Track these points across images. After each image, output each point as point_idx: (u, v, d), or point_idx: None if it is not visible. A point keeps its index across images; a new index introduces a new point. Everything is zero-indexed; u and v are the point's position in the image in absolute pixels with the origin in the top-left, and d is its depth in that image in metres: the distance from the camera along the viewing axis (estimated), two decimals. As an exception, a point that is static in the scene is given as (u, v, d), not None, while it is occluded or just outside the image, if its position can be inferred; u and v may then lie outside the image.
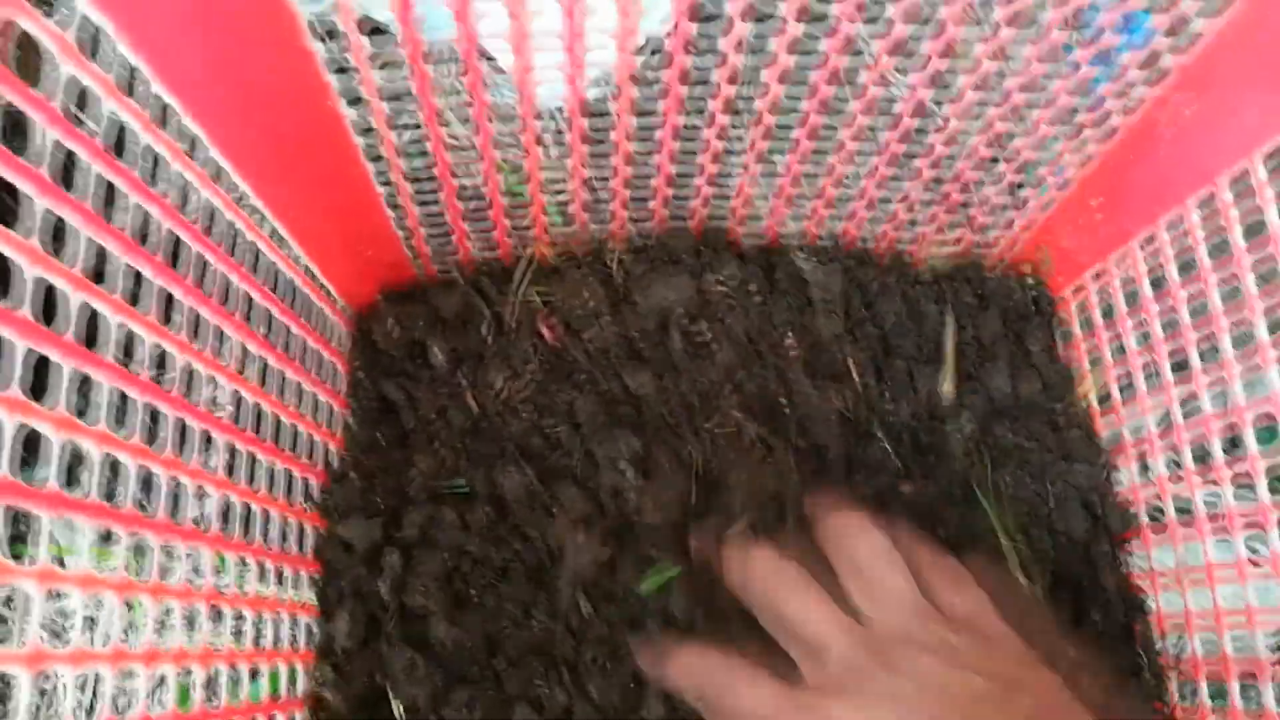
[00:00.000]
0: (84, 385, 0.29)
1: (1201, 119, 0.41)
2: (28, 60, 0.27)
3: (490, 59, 0.40)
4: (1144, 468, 0.49)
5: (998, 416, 0.51)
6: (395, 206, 0.47)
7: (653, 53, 0.40)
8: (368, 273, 0.51)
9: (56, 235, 0.27)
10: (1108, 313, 0.51)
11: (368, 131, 0.42)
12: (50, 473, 0.26)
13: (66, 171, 0.28)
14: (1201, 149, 0.42)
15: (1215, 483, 0.44)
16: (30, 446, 0.26)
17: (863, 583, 0.37)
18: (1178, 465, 0.47)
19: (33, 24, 0.25)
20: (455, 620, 0.46)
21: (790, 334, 0.51)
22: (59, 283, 0.27)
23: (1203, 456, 0.45)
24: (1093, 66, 0.40)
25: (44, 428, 0.27)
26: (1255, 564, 0.43)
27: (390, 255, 0.51)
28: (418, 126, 0.42)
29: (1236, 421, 0.43)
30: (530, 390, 0.50)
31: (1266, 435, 0.42)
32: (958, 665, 0.34)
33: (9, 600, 0.24)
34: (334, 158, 0.42)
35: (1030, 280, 0.55)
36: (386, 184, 0.46)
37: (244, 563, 0.39)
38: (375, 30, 0.37)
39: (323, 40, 0.36)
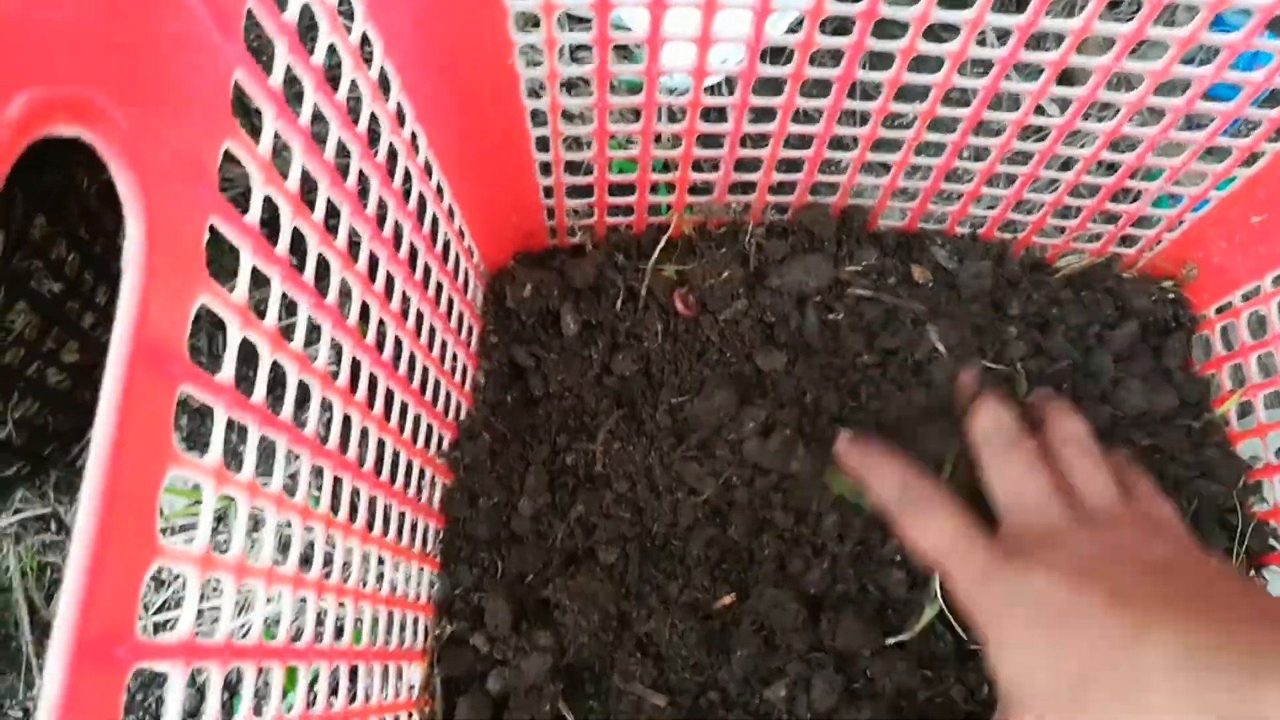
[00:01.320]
0: (287, 303, 0.29)
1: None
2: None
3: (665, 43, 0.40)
4: (1285, 489, 0.48)
5: (1133, 429, 0.50)
6: (547, 172, 0.48)
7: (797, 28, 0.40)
8: (507, 235, 0.52)
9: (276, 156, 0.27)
10: (1255, 331, 0.50)
11: (537, 94, 0.42)
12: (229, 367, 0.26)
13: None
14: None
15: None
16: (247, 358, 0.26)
17: (1078, 466, 0.40)
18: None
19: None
20: (572, 586, 0.46)
21: (928, 327, 0.50)
22: (279, 200, 0.28)
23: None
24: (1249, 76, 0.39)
25: (258, 339, 0.27)
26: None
27: (530, 220, 0.51)
28: (588, 93, 0.42)
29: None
30: (662, 363, 0.50)
31: None
32: (1150, 536, 0.37)
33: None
34: (502, 116, 0.42)
35: (1171, 294, 0.53)
36: (544, 148, 0.46)
37: (384, 506, 0.39)
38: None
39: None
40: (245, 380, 0.27)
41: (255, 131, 0.26)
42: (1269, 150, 0.44)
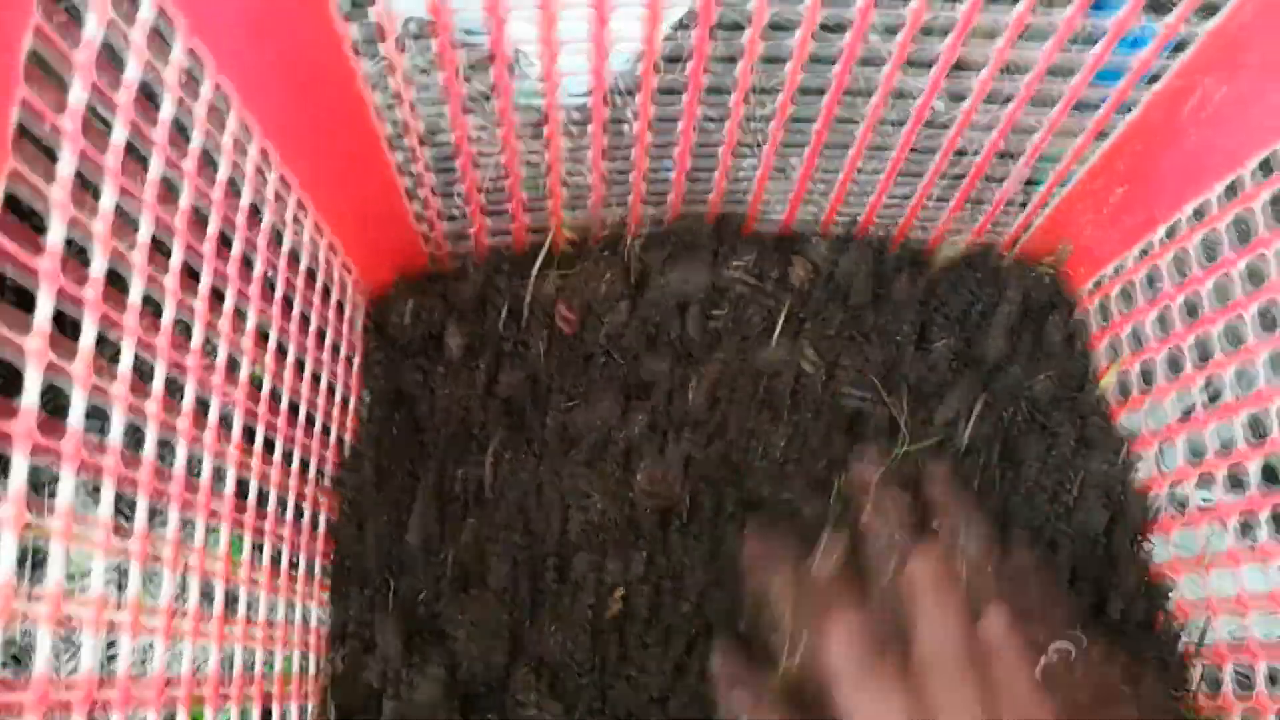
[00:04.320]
0: (102, 343, 0.28)
1: (1231, 102, 0.41)
2: None
3: (518, 54, 0.41)
4: (1164, 457, 0.49)
5: (1016, 410, 0.51)
6: (414, 196, 0.47)
7: (671, 59, 0.41)
8: (384, 256, 0.51)
9: (86, 185, 0.27)
10: (1127, 304, 0.51)
11: (392, 113, 0.42)
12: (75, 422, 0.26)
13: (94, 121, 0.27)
14: (1230, 134, 0.42)
15: (1240, 470, 0.44)
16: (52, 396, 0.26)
17: (943, 695, 0.37)
18: (1200, 454, 0.46)
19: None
20: (464, 609, 0.45)
21: (806, 321, 0.51)
22: (93, 229, 0.27)
23: (1228, 444, 0.45)
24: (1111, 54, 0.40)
25: (66, 384, 0.26)
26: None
27: (405, 241, 0.51)
28: (441, 114, 0.42)
29: (1261, 408, 0.42)
30: (546, 378, 0.50)
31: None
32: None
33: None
34: (356, 139, 0.42)
35: (1048, 274, 0.54)
36: (409, 171, 0.45)
37: (258, 545, 0.39)
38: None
39: (352, 21, 0.36)
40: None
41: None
42: (1120, 122, 0.45)
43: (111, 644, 0.29)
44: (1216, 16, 0.39)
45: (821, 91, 0.43)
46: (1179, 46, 0.40)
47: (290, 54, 0.36)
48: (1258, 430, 0.44)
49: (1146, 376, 0.50)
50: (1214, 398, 0.46)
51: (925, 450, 0.49)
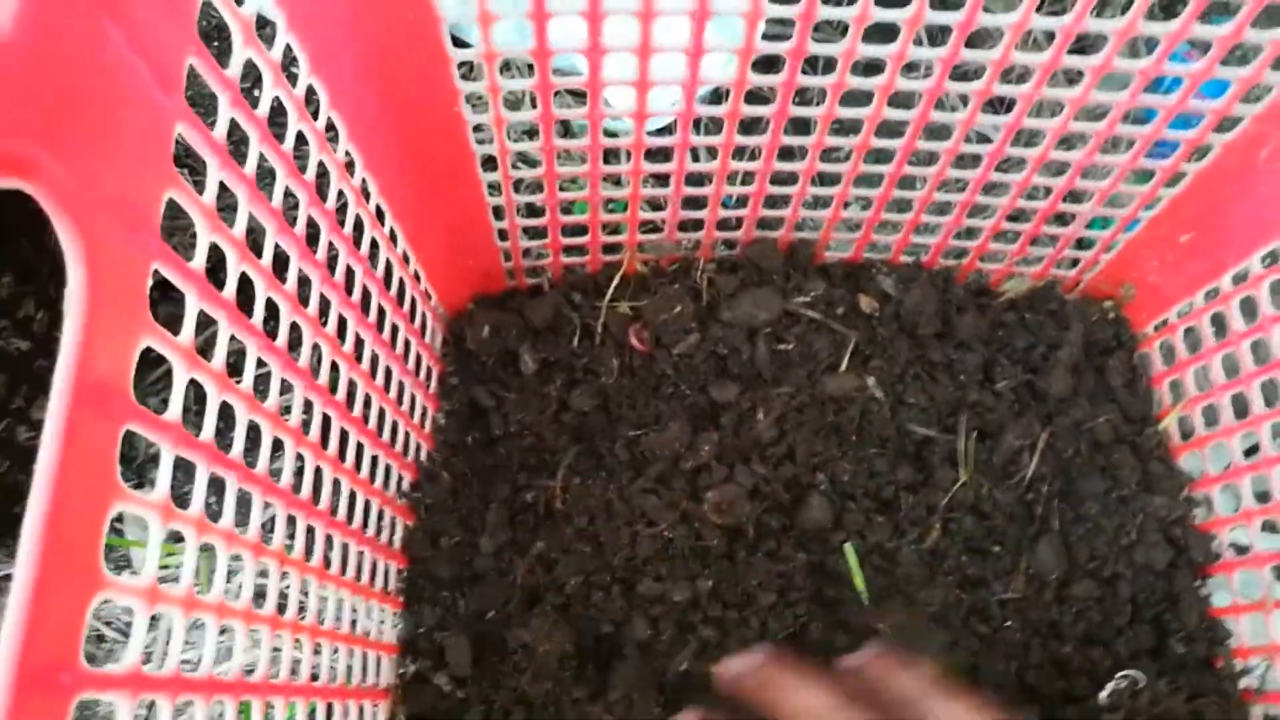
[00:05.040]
0: (237, 353, 0.30)
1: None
2: None
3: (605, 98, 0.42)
4: (1227, 499, 0.49)
5: (1077, 446, 0.51)
6: (500, 216, 0.49)
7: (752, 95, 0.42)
8: (464, 278, 0.53)
9: (222, 209, 0.28)
10: (1194, 347, 0.51)
11: (486, 140, 0.43)
12: (175, 407, 0.27)
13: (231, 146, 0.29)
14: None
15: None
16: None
17: None
18: (1264, 497, 0.47)
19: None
20: (527, 622, 0.46)
21: (873, 353, 0.52)
22: (225, 246, 0.29)
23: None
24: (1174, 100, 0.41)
25: (205, 380, 0.28)
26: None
27: (487, 263, 0.53)
28: (534, 138, 0.44)
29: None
30: (617, 401, 0.51)
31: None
32: None
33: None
34: (452, 162, 0.44)
35: (1112, 313, 0.55)
36: (496, 193, 0.47)
37: (334, 542, 0.40)
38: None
39: (460, 45, 0.38)
40: (196, 423, 0.27)
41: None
42: (1190, 170, 0.46)
43: (194, 631, 0.30)
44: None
45: (899, 133, 0.44)
46: (1255, 97, 0.41)
47: (395, 82, 0.38)
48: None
49: (1210, 418, 0.50)
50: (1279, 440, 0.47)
51: (989, 484, 0.50)
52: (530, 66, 0.39)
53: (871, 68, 0.40)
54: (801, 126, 0.46)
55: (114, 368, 0.23)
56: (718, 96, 0.45)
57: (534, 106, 0.42)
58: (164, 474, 0.26)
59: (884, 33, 0.38)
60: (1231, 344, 0.48)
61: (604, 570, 0.48)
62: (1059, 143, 0.44)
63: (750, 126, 0.45)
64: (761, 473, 0.49)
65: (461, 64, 0.39)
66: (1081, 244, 0.52)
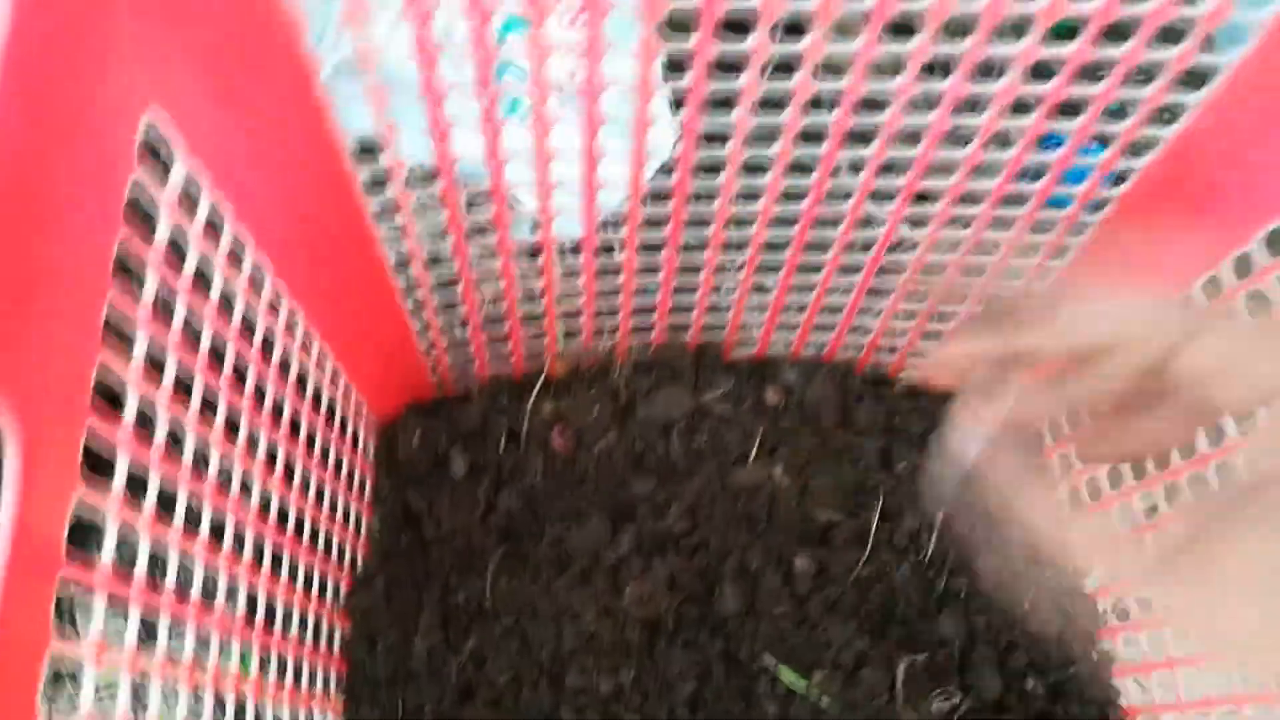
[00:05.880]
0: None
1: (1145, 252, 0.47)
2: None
3: (514, 197, 0.46)
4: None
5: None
6: (422, 330, 0.52)
7: (653, 198, 0.46)
8: (394, 387, 0.56)
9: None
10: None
11: (404, 266, 0.47)
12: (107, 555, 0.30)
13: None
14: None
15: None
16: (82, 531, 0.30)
17: None
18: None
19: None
20: (462, 717, 0.49)
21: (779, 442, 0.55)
22: (156, 399, 0.32)
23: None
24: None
25: (139, 527, 0.31)
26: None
27: (415, 373, 0.56)
28: (446, 256, 0.47)
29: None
30: (542, 499, 0.54)
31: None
32: None
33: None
34: (372, 289, 0.47)
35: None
36: (415, 301, 0.51)
37: (272, 658, 0.42)
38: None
39: (362, 164, 0.41)
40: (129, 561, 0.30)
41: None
42: (1054, 267, 0.51)
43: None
44: (1128, 183, 0.44)
45: (792, 222, 0.48)
46: (1098, 206, 0.46)
47: (300, 198, 0.41)
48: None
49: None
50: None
51: (892, 561, 0.54)
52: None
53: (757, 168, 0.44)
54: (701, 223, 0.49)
55: (50, 523, 0.26)
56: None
57: (446, 234, 0.45)
58: (96, 618, 0.28)
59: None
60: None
61: (532, 665, 0.51)
62: (933, 248, 0.49)
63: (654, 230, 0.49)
64: (677, 563, 0.52)
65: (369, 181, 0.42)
66: (966, 334, 0.57)
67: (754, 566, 0.53)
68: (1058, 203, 0.47)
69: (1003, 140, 0.42)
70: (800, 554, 0.53)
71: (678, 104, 0.42)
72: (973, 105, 0.40)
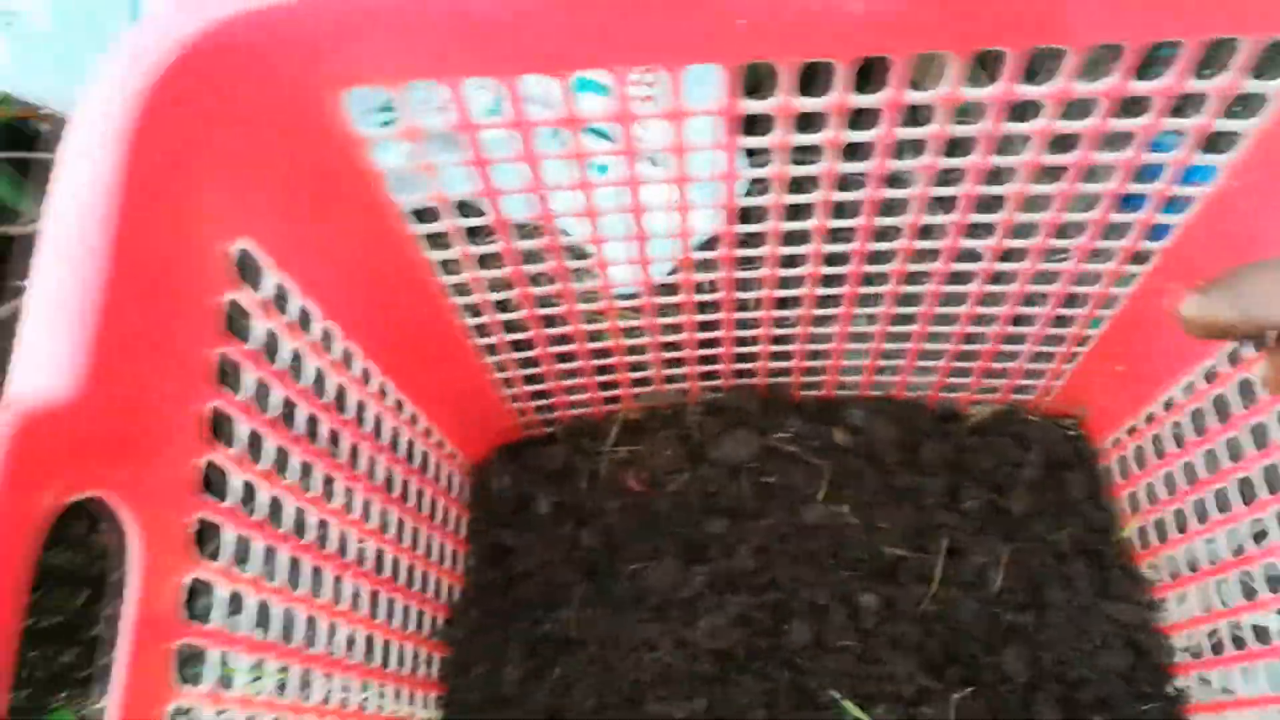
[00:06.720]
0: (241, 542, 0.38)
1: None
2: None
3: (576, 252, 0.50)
4: (1184, 600, 0.53)
5: (1041, 558, 0.56)
6: (506, 382, 0.57)
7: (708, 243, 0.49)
8: (484, 433, 0.61)
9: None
10: (1141, 462, 0.56)
11: (476, 314, 0.51)
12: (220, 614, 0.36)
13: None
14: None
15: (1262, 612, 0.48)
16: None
17: None
18: (1221, 598, 0.51)
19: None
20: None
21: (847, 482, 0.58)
22: (257, 482, 0.37)
23: (1249, 591, 0.49)
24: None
25: (213, 578, 0.36)
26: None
27: (502, 418, 0.61)
28: (517, 309, 0.51)
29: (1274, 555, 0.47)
30: (621, 538, 0.58)
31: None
32: None
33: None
34: (457, 356, 0.52)
35: (1072, 431, 0.60)
36: (497, 362, 0.55)
37: (381, 690, 0.48)
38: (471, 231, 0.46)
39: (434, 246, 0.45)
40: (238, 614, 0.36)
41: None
42: (1107, 316, 0.51)
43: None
44: (1168, 237, 0.45)
45: (842, 279, 0.50)
46: (1142, 258, 0.47)
47: (377, 290, 0.46)
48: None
49: (1160, 529, 0.55)
50: (1238, 550, 0.50)
51: (959, 597, 0.55)
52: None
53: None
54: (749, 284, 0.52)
55: (168, 600, 0.31)
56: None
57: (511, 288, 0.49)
58: (210, 670, 0.34)
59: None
60: (1169, 462, 0.53)
61: (613, 693, 0.55)
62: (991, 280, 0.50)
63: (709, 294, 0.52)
64: (747, 599, 0.55)
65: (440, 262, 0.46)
66: (1032, 374, 0.58)
67: (821, 602, 0.55)
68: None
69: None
70: (866, 590, 0.55)
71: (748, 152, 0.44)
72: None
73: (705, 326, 0.54)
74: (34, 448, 0.26)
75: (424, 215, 0.43)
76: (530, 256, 0.47)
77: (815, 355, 0.58)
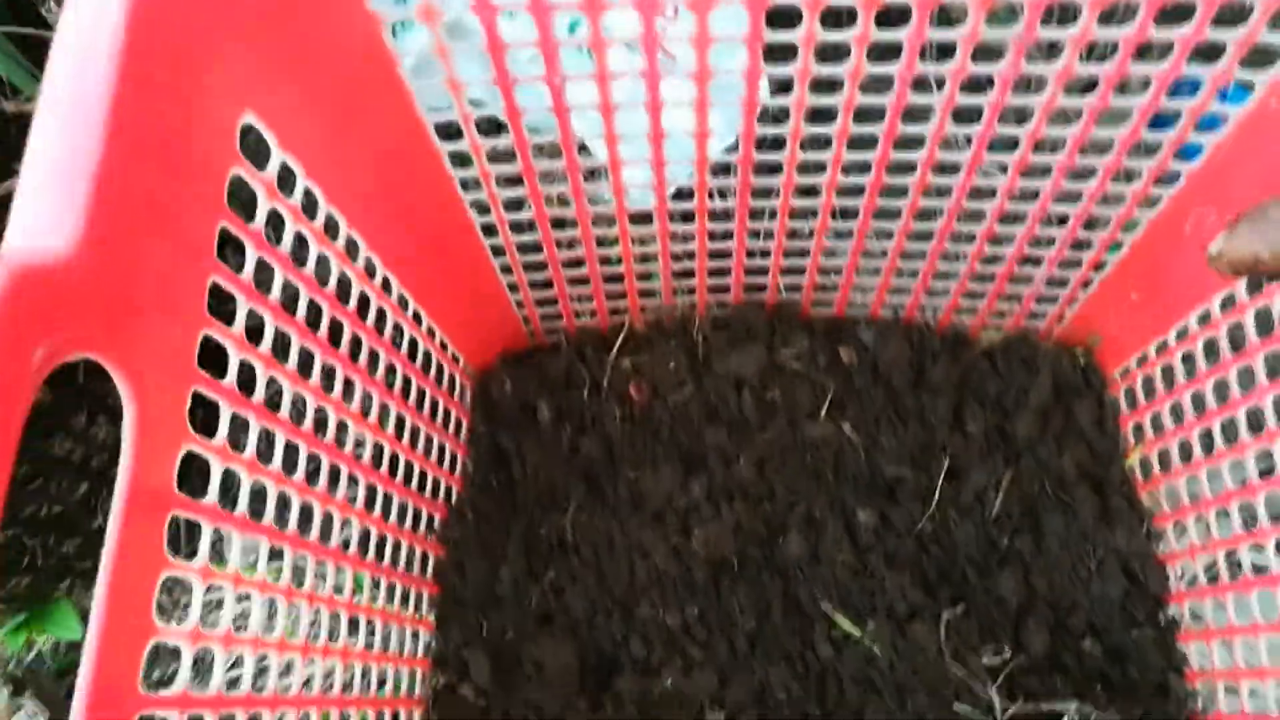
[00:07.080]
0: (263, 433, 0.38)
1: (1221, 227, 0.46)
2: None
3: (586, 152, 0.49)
4: (1183, 532, 0.53)
5: (1041, 484, 0.56)
6: (512, 286, 0.56)
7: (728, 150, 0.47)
8: (489, 339, 0.61)
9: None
10: (1150, 392, 0.55)
11: (485, 212, 0.50)
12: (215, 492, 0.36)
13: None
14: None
15: (1260, 545, 0.47)
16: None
17: None
18: (1221, 529, 0.51)
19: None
20: (540, 641, 0.54)
21: (850, 402, 0.57)
22: (255, 363, 0.37)
23: (1249, 520, 0.49)
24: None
25: (240, 470, 0.36)
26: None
27: (508, 325, 0.60)
28: (527, 209, 0.50)
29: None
30: (620, 446, 0.58)
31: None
32: None
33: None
34: (466, 250, 0.51)
35: (1083, 359, 0.59)
36: (503, 264, 0.54)
37: (376, 583, 0.48)
38: (494, 127, 0.45)
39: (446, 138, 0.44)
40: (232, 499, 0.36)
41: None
42: (1127, 239, 0.50)
43: (262, 660, 0.38)
44: (1199, 157, 0.44)
45: (860, 190, 0.49)
46: (1170, 179, 0.45)
47: (389, 178, 0.45)
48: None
49: (1163, 459, 0.54)
50: (1242, 481, 0.50)
51: (955, 518, 0.55)
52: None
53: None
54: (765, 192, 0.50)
55: (161, 469, 0.31)
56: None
57: (527, 204, 0.49)
58: (204, 543, 0.34)
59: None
60: (1178, 392, 0.52)
61: (606, 597, 0.55)
62: (1012, 198, 0.49)
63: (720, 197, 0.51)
64: (744, 510, 0.55)
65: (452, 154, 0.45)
66: (1045, 299, 0.57)
67: (818, 516, 0.55)
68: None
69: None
70: (864, 507, 0.55)
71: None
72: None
73: (717, 236, 0.53)
74: (26, 303, 0.25)
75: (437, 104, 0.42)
76: (542, 151, 0.46)
77: (827, 271, 0.58)
